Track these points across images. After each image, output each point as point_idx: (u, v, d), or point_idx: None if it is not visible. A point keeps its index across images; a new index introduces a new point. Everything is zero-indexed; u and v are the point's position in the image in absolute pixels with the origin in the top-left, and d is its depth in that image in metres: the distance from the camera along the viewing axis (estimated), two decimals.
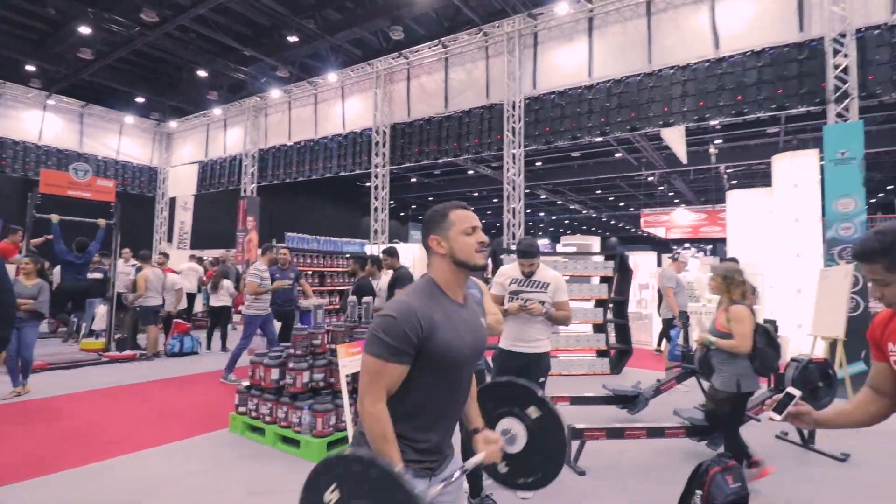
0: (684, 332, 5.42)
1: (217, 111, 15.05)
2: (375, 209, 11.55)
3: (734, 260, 7.09)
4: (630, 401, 5.00)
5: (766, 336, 3.35)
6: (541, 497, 3.22)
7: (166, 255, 9.12)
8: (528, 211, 31.18)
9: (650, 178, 21.31)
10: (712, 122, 8.10)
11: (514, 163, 9.53)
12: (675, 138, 15.06)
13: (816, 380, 4.18)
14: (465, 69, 10.48)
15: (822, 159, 7.13)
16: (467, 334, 1.50)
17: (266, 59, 12.30)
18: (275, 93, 13.51)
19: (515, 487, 1.81)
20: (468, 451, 3.22)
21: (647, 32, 8.35)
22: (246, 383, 4.48)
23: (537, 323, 3.33)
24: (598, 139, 9.14)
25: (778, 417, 1.68)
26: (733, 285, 3.32)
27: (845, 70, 6.68)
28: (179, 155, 16.76)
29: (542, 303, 3.31)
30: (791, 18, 7.23)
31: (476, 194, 26.36)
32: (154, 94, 15.37)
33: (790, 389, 1.70)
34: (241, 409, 4.40)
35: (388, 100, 11.54)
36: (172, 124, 16.46)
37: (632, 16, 8.52)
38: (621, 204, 29.67)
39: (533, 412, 1.70)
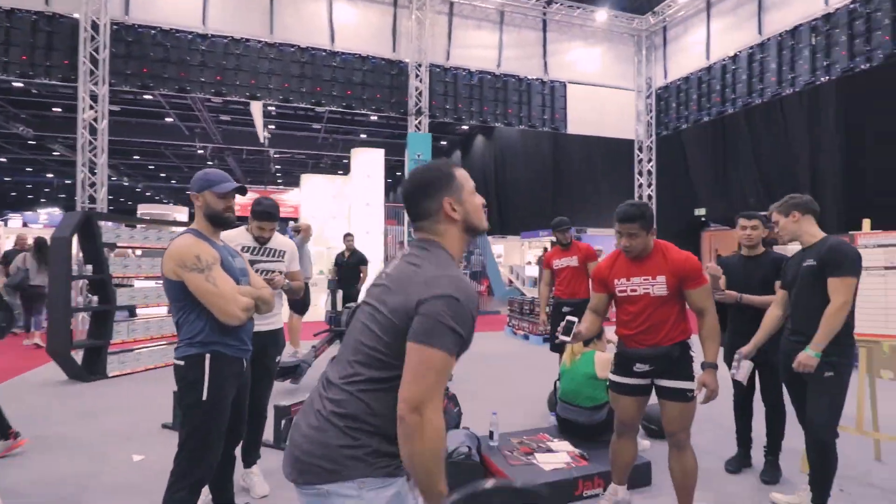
0: (332, 298, 5.87)
1: None
2: None
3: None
4: (293, 371, 5.04)
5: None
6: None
7: None
8: (30, 169, 23.82)
9: (201, 151, 20.52)
10: (326, 108, 8.84)
11: (95, 103, 7.28)
12: (258, 116, 15.26)
13: None
14: None
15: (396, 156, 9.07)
16: None
17: None
18: None
19: None
20: None
21: (270, 3, 8.19)
22: None
23: (275, 297, 2.97)
24: (217, 99, 8.27)
25: (568, 339, 2.33)
26: None
27: (421, 93, 8.78)
28: None
29: (281, 273, 2.99)
30: (387, 39, 8.82)
31: None
32: None
33: (570, 318, 2.39)
34: None
35: None
36: None
37: None
38: (163, 175, 26.86)
39: None
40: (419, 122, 8.81)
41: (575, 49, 10.32)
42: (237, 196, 2.21)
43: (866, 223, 3.33)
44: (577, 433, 3.36)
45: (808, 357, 2.39)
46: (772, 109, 10.74)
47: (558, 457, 3.04)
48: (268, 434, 3.19)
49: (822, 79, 7.42)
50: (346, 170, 23.04)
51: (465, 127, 22.57)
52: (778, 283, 2.88)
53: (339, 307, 5.86)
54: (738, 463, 3.24)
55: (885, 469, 3.15)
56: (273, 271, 2.94)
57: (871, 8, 6.63)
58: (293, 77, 8.24)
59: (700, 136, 11.96)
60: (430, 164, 1.31)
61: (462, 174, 1.31)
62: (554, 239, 4.54)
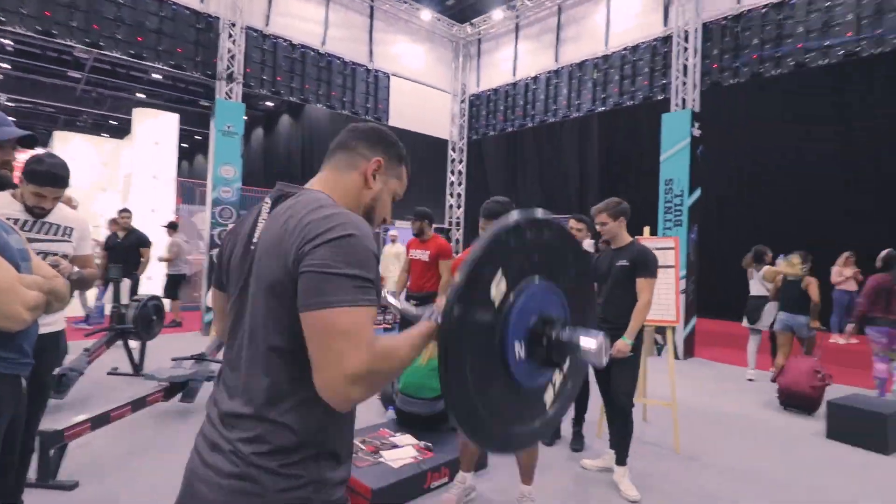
0: (115, 289, 4.74)
1: None
2: None
3: None
4: (56, 382, 3.94)
5: None
6: None
7: None
8: None
9: None
10: (104, 52, 7.09)
11: None
12: None
13: (151, 314, 4.76)
14: None
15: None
16: None
17: None
18: None
19: None
20: None
21: None
22: None
23: None
24: None
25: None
26: None
27: (234, 57, 7.74)
28: None
29: (66, 256, 2.28)
30: None
31: None
32: None
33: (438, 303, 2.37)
34: None
35: None
36: None
37: None
38: None
39: None
40: (230, 90, 7.77)
41: (400, 43, 10.42)
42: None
43: (647, 230, 4.11)
44: (417, 425, 3.38)
45: (624, 345, 2.81)
46: (555, 130, 12.59)
47: (404, 451, 3.01)
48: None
49: (599, 109, 8.97)
50: (113, 132, 19.11)
51: (271, 103, 20.89)
52: None
53: (125, 300, 4.79)
54: (553, 436, 3.67)
55: (652, 428, 3.93)
56: (56, 254, 2.23)
57: (637, 56, 8.26)
58: (58, 5, 6.39)
59: (499, 145, 13.29)
60: (391, 133, 1.13)
61: (405, 176, 1.15)
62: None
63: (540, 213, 0.97)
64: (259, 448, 0.86)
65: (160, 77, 15.85)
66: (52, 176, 2.11)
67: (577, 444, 3.55)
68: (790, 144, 9.16)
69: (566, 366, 1.00)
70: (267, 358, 0.89)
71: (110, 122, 19.27)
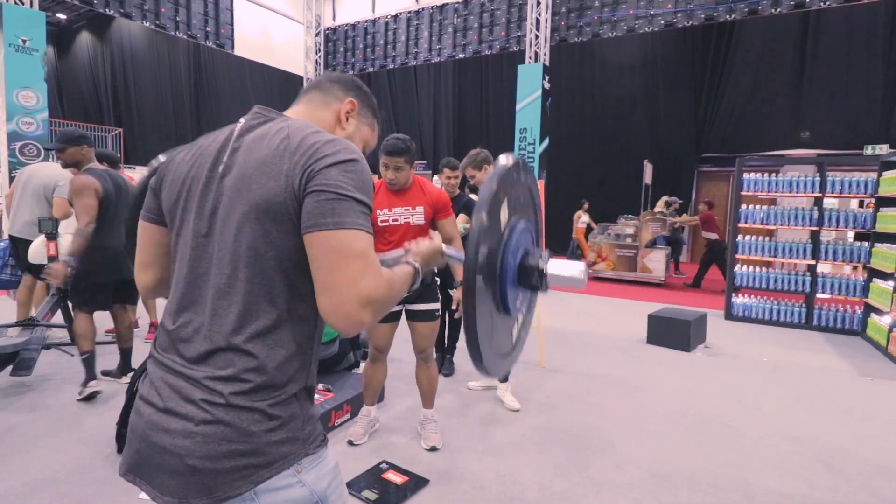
0: None
1: None
2: None
3: None
4: None
5: None
6: None
7: None
8: None
9: None
10: None
11: None
12: None
13: None
14: None
15: None
16: None
17: None
18: None
19: None
20: None
21: None
22: None
23: None
24: None
25: None
26: None
27: None
28: None
29: None
30: None
31: None
32: None
33: None
34: None
35: None
36: None
37: None
38: None
39: None
40: None
41: None
42: None
43: None
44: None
45: None
46: (409, 75, 12.56)
47: None
48: None
49: (459, 56, 9.14)
50: None
51: (63, 15, 16.83)
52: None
53: None
54: (450, 368, 3.98)
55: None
56: None
57: (495, 6, 8.53)
58: None
59: None
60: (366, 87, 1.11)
61: (377, 127, 1.12)
62: None
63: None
64: (242, 386, 0.81)
65: None
66: None
67: (448, 369, 3.90)
68: (621, 102, 10.50)
69: (529, 301, 1.12)
70: (249, 286, 0.83)
71: None
